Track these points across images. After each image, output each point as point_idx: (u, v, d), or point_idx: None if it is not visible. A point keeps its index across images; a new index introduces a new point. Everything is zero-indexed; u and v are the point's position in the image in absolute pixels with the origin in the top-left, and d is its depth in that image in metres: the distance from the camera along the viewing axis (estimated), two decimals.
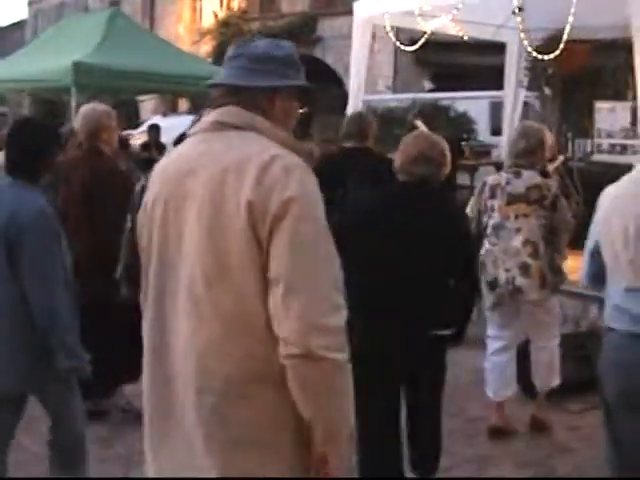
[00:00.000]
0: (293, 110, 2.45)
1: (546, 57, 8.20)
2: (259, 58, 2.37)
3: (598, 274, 3.61)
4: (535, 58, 8.82)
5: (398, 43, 9.11)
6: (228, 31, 23.46)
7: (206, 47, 24.33)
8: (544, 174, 5.57)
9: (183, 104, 25.96)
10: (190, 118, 19.87)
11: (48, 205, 3.82)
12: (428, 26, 8.68)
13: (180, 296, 2.27)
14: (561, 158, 7.99)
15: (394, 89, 20.80)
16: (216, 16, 24.54)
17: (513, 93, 9.81)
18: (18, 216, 3.69)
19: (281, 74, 2.38)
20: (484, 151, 10.42)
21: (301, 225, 2.15)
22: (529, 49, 8.60)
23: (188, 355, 2.25)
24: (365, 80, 9.64)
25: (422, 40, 8.95)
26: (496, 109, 12.84)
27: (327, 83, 17.93)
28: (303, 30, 22.28)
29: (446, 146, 4.37)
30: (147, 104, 26.83)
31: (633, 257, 3.34)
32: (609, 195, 3.55)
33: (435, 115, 12.16)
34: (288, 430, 2.25)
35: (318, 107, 12.84)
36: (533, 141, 5.54)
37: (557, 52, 7.94)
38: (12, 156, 3.90)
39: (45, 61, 12.80)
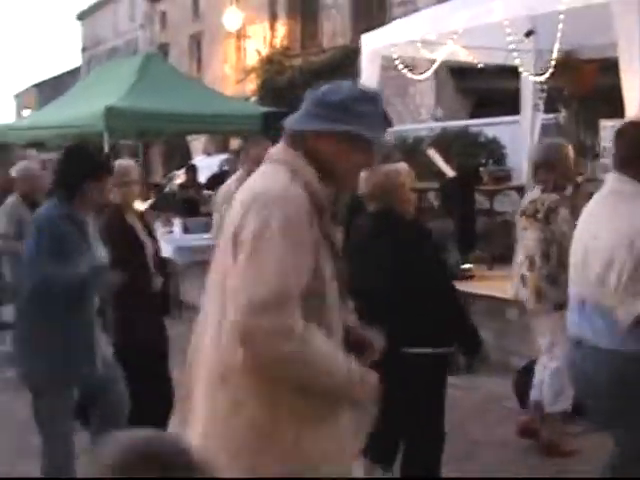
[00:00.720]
0: (339, 153, 2.56)
1: (542, 78, 8.17)
2: (314, 102, 2.58)
3: None
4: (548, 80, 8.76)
5: (406, 72, 9.14)
6: (272, 68, 23.76)
7: (251, 85, 24.67)
8: (556, 189, 5.55)
9: (235, 142, 26.27)
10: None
11: (55, 213, 4.43)
12: (437, 55, 8.70)
13: (210, 313, 2.58)
14: (580, 179, 7.93)
15: (437, 117, 20.79)
16: (260, 54, 24.86)
17: (530, 116, 9.74)
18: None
19: (328, 118, 2.53)
20: (504, 176, 10.36)
21: (257, 246, 2.36)
22: (523, 72, 8.56)
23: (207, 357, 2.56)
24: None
25: (433, 68, 8.98)
26: None
27: None
28: (345, 63, 22.38)
29: (403, 174, 4.49)
30: (197, 143, 27.26)
31: (578, 276, 3.72)
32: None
33: (463, 142, 12.20)
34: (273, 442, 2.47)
35: None
36: (537, 159, 5.78)
37: (549, 72, 7.88)
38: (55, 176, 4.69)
39: (81, 107, 13.11)
